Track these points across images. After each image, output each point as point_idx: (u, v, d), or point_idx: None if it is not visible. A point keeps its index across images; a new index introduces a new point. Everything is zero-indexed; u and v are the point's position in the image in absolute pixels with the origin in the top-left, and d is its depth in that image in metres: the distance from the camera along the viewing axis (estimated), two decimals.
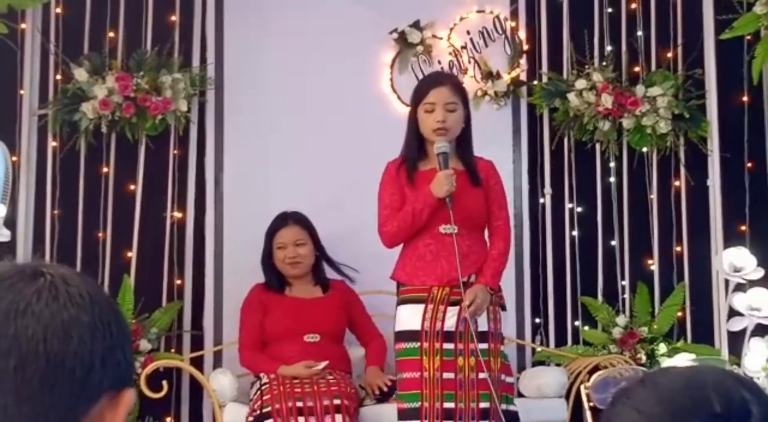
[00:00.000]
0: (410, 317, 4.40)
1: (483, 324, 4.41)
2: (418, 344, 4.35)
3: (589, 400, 5.01)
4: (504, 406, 4.38)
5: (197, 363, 5.58)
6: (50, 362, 1.17)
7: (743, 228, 5.90)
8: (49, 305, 1.19)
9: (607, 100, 5.80)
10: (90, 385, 1.19)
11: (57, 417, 1.18)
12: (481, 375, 4.34)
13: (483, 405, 4.34)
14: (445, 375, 4.33)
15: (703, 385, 1.23)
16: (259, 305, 5.26)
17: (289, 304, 5.26)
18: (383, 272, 4.61)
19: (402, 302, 4.46)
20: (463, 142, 4.54)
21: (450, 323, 4.36)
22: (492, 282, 4.46)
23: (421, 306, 4.38)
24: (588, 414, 5.09)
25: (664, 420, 1.21)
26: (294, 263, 5.29)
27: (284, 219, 5.34)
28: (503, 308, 4.57)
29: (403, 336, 4.42)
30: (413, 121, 4.52)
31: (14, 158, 5.44)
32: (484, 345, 4.37)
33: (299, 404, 4.76)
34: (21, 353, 1.16)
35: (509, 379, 4.53)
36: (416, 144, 4.51)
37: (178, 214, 5.76)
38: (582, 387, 5.16)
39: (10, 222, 5.18)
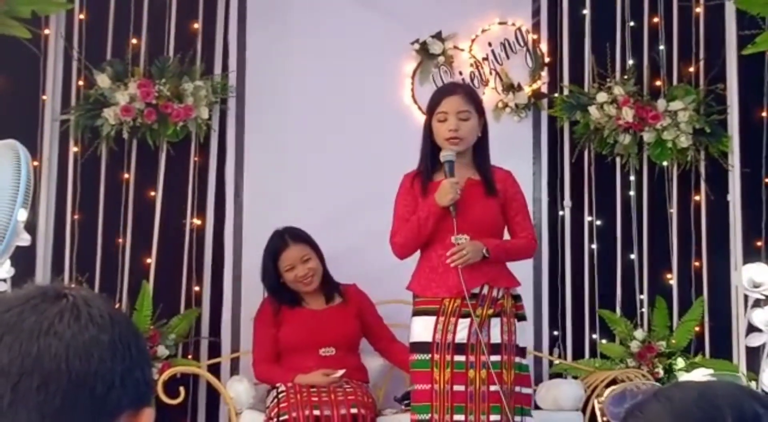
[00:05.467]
0: (422, 329, 4.35)
1: (496, 336, 4.35)
2: (430, 356, 4.32)
3: (603, 414, 5.00)
4: (518, 418, 4.33)
5: (214, 369, 5.59)
6: (72, 380, 1.19)
7: (763, 243, 5.88)
8: (71, 326, 1.21)
9: (628, 114, 5.79)
10: (110, 403, 1.22)
11: None
12: (493, 388, 4.29)
13: (494, 418, 4.29)
14: (456, 387, 4.29)
15: (716, 400, 1.23)
16: (272, 318, 5.22)
17: (302, 317, 5.23)
18: (403, 282, 4.55)
19: (416, 313, 4.43)
20: (479, 151, 4.50)
21: (461, 335, 4.31)
22: (490, 244, 4.35)
23: (433, 318, 4.33)
24: None
25: None
26: (307, 280, 5.23)
27: (282, 240, 5.23)
28: (523, 318, 4.52)
29: (415, 347, 4.39)
30: (428, 131, 4.50)
31: (35, 163, 5.43)
32: (496, 358, 4.31)
33: (316, 412, 4.75)
34: (44, 372, 1.18)
35: (526, 390, 4.44)
36: (431, 154, 4.47)
37: (197, 221, 5.77)
38: (596, 401, 5.14)
39: (31, 227, 5.17)
